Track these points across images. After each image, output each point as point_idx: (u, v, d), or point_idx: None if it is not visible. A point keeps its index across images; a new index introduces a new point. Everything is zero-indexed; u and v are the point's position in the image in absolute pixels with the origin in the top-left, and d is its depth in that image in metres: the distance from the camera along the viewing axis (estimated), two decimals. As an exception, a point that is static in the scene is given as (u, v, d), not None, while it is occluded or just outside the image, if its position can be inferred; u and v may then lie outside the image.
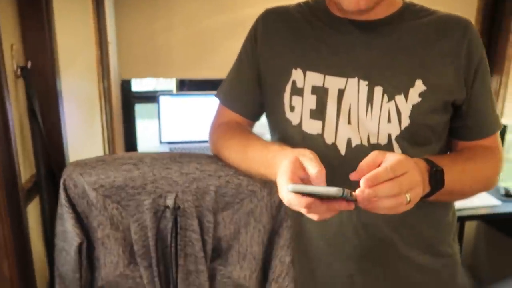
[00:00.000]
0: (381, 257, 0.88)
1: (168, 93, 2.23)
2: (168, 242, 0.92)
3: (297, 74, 0.86)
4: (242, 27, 2.15)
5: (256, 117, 0.99)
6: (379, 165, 0.63)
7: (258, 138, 0.91)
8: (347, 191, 0.58)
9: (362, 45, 0.83)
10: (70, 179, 0.91)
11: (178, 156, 0.94)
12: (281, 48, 0.89)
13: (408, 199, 0.62)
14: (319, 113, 0.84)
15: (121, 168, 0.92)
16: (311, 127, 0.85)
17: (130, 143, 2.14)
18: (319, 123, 0.84)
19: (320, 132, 0.84)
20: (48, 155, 1.12)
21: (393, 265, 0.89)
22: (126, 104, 2.15)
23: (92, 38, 1.81)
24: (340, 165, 0.80)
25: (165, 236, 0.92)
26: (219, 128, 0.98)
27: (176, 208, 0.90)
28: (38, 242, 1.16)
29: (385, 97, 0.81)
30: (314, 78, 0.84)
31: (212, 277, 0.95)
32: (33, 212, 1.13)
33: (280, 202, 0.94)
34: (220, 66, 2.16)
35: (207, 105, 2.09)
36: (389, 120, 0.81)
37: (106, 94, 1.93)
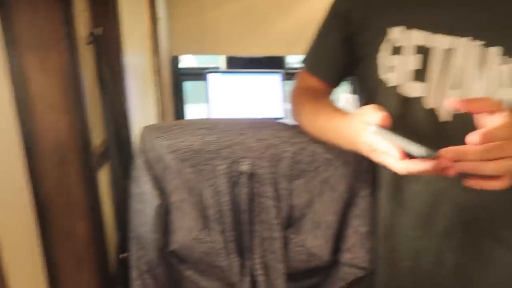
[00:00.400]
0: (476, 236, 0.83)
1: (217, 70, 2.22)
2: (242, 208, 0.92)
3: (396, 32, 0.79)
4: (294, 2, 2.11)
5: (338, 82, 0.96)
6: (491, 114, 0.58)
7: (329, 105, 0.88)
8: (433, 153, 0.54)
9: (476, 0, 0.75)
10: (147, 143, 0.93)
11: (252, 122, 0.94)
12: (378, 3, 0.83)
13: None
14: (420, 74, 0.77)
15: (197, 132, 0.92)
16: (410, 89, 0.78)
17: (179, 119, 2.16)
18: (420, 85, 0.77)
19: (419, 95, 0.78)
20: (116, 122, 1.14)
21: (488, 245, 0.83)
22: (175, 81, 2.16)
23: (144, 13, 1.82)
24: (437, 133, 0.75)
25: (240, 202, 0.92)
26: (296, 94, 0.96)
27: (251, 174, 0.90)
28: (108, 205, 1.19)
29: (504, 58, 0.72)
30: (417, 36, 0.77)
31: (285, 245, 0.95)
32: (103, 177, 1.16)
33: (356, 170, 0.92)
34: (271, 43, 2.14)
35: (256, 83, 2.07)
36: (507, 85, 0.72)
37: (158, 70, 1.95)
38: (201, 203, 0.95)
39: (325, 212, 0.93)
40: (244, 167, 0.89)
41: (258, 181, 0.90)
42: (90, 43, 1.02)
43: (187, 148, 0.90)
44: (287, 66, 2.23)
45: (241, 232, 0.95)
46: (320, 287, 1.06)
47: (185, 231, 0.96)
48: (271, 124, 0.94)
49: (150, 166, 0.93)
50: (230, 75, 2.11)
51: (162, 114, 2.03)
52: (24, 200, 1.04)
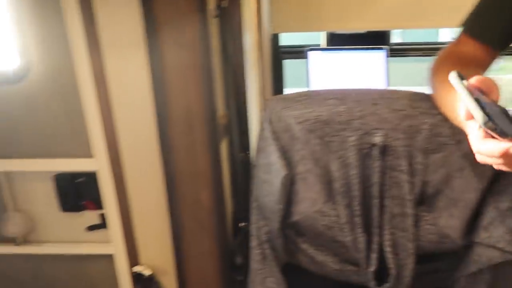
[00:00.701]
0: None
1: (318, 47, 2.17)
2: (372, 181, 0.88)
3: None
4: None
5: (504, 47, 0.87)
6: None
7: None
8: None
9: None
10: (274, 113, 0.93)
11: (386, 93, 0.89)
12: None
13: None
14: None
15: (326, 102, 0.90)
16: None
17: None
18: None
19: None
20: (238, 96, 1.16)
21: None
22: (275, 59, 2.15)
23: None
24: None
25: (369, 175, 0.89)
26: (438, 61, 0.89)
27: (383, 147, 0.86)
28: (227, 175, 1.24)
29: None
30: None
31: (415, 223, 0.90)
32: (223, 149, 1.20)
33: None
34: (375, 17, 2.03)
35: (359, 61, 1.99)
36: None
37: (260, 47, 1.96)
38: (327, 175, 0.93)
39: (464, 189, 0.85)
40: (377, 138, 0.85)
41: (391, 154, 0.86)
42: (216, 16, 1.04)
43: (316, 119, 0.89)
44: (392, 42, 2.10)
45: (369, 207, 0.91)
46: (448, 272, 0.99)
47: (309, 203, 0.95)
48: (407, 94, 0.88)
49: (277, 137, 0.93)
50: (332, 52, 2.04)
51: (263, 91, 2.05)
52: (155, 166, 1.11)
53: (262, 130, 0.95)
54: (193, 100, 0.99)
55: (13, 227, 1.26)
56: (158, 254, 1.24)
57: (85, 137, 1.11)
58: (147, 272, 1.23)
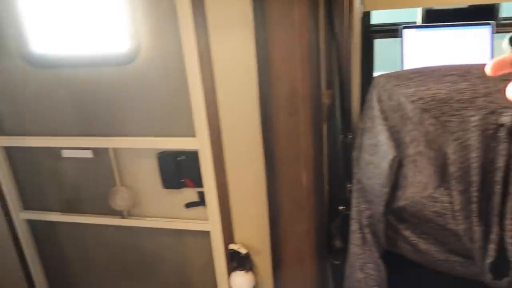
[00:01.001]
0: None
1: (413, 25, 2.03)
2: (495, 166, 0.82)
3: None
4: None
5: None
6: None
7: None
8: None
9: None
10: (384, 91, 0.89)
11: (516, 68, 0.81)
12: None
13: None
14: None
15: (444, 79, 0.84)
16: None
17: (367, 79, 2.05)
18: None
19: None
20: (341, 74, 1.13)
21: None
22: (365, 39, 2.04)
23: None
24: None
25: (492, 159, 0.82)
26: None
27: None
28: (325, 158, 1.22)
29: None
30: None
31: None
32: (324, 129, 1.18)
33: None
34: None
35: (460, 39, 1.84)
36: None
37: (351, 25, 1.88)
38: (440, 158, 0.87)
39: None
40: (505, 118, 0.78)
41: (521, 136, 0.78)
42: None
43: (432, 97, 0.83)
44: (500, 16, 1.90)
45: (489, 193, 0.85)
46: None
47: (419, 187, 0.91)
48: (542, 69, 0.79)
49: (386, 116, 0.89)
50: (429, 30, 1.91)
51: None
52: (256, 146, 1.13)
53: (369, 109, 0.92)
54: (298, 80, 0.98)
55: (121, 201, 1.36)
56: (253, 234, 1.27)
57: (189, 117, 1.16)
58: (243, 250, 1.26)
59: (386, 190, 0.92)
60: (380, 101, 0.90)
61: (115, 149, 1.33)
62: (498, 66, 0.39)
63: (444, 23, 1.90)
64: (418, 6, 2.01)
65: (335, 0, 1.03)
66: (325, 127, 1.14)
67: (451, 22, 1.90)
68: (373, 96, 0.91)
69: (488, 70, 0.39)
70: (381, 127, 0.90)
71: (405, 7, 2.07)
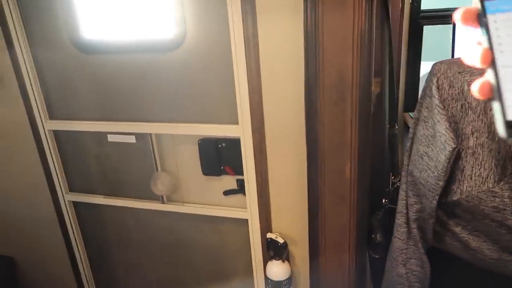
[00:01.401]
0: None
1: None
2: None
3: None
4: None
5: None
6: None
7: None
8: None
9: None
10: (445, 79, 0.82)
11: None
12: None
13: None
14: None
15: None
16: None
17: (413, 72, 1.89)
18: None
19: None
20: (391, 62, 1.07)
21: None
22: (414, 25, 1.88)
23: None
24: None
25: None
26: None
27: None
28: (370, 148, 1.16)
29: None
30: None
31: None
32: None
33: None
34: None
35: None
36: None
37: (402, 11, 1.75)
38: (504, 150, 0.80)
39: None
40: None
41: None
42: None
43: (498, 85, 0.76)
44: None
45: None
46: None
47: (477, 181, 0.83)
48: None
49: (446, 105, 0.82)
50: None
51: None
52: (299, 135, 1.08)
53: (427, 97, 0.85)
54: (348, 67, 0.92)
55: (161, 186, 1.35)
56: (291, 224, 1.22)
57: (232, 104, 1.12)
58: (280, 239, 1.22)
59: (441, 183, 0.85)
60: (440, 88, 0.83)
61: (157, 135, 1.31)
62: (465, 15, 0.36)
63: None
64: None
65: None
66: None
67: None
68: (433, 84, 0.84)
69: (457, 18, 0.36)
70: (440, 117, 0.82)
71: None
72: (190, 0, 1.09)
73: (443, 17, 1.80)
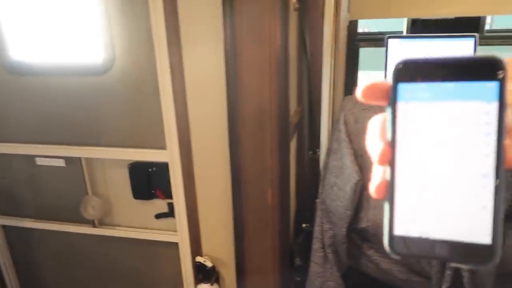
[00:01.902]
0: None
1: (399, 35, 1.95)
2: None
3: None
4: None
5: None
6: None
7: None
8: None
9: None
10: (351, 114, 0.85)
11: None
12: None
13: None
14: None
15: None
16: None
17: (350, 89, 1.94)
18: None
19: None
20: (310, 91, 1.10)
21: None
22: (351, 48, 1.94)
23: None
24: None
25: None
26: None
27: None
28: (292, 175, 1.18)
29: None
30: None
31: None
32: (292, 146, 1.14)
33: None
34: (465, 2, 1.79)
35: (444, 50, 1.78)
36: None
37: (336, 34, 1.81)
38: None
39: None
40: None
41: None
42: (297, 9, 0.98)
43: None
44: (484, 29, 1.84)
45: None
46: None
47: (380, 210, 0.87)
48: None
49: (352, 139, 0.85)
50: (414, 40, 1.84)
51: (334, 80, 1.90)
52: (224, 162, 1.08)
53: (336, 131, 0.88)
54: (266, 99, 0.94)
55: (92, 210, 1.30)
56: (220, 247, 1.21)
57: (160, 130, 1.10)
58: (208, 263, 1.20)
59: (349, 213, 0.88)
60: (347, 123, 0.86)
61: (87, 159, 1.27)
62: (369, 91, 0.28)
63: (428, 34, 1.82)
64: (404, 17, 1.95)
65: (309, 14, 0.99)
66: (293, 144, 1.10)
67: (437, 32, 1.82)
68: (341, 118, 0.87)
69: (358, 95, 0.29)
70: (346, 150, 0.86)
71: (391, 17, 1.99)
72: (119, 27, 1.07)
73: (377, 39, 1.88)
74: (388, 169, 0.28)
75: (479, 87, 0.26)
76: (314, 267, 1.01)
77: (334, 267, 1.01)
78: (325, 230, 0.97)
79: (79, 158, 1.25)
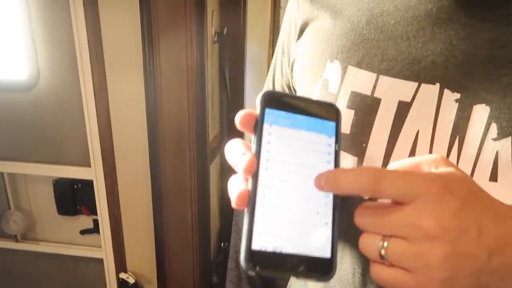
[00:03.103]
0: None
1: None
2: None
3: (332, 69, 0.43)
4: None
5: None
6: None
7: None
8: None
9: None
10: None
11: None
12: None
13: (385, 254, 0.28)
14: (355, 143, 0.41)
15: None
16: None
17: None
18: (352, 160, 0.41)
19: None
20: (232, 117, 1.15)
21: None
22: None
23: (268, 3, 1.78)
24: None
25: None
26: None
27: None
28: (215, 197, 1.23)
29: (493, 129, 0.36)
30: (360, 79, 0.41)
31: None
32: (214, 169, 1.19)
33: None
34: None
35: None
36: (493, 178, 0.36)
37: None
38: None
39: None
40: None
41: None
42: (216, 42, 1.04)
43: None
44: None
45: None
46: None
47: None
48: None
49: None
50: None
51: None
52: (145, 182, 1.11)
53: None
54: (184, 124, 0.98)
55: (14, 224, 1.27)
56: (144, 263, 1.24)
57: (85, 147, 1.12)
58: (131, 280, 1.22)
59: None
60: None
61: (10, 174, 1.25)
62: (245, 119, 0.30)
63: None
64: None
65: (230, 47, 1.05)
66: (215, 167, 1.15)
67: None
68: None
69: (236, 123, 0.31)
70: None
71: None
72: (43, 45, 1.08)
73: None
74: (251, 180, 0.29)
75: (324, 123, 0.32)
76: (229, 286, 1.06)
77: (247, 286, 1.07)
78: (239, 250, 1.02)
79: (1, 173, 1.23)
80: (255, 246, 0.28)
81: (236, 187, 0.30)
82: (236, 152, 0.32)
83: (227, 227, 1.18)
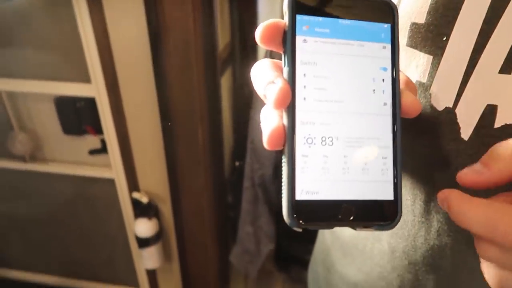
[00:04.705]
0: None
1: None
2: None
3: None
4: None
5: None
6: None
7: None
8: None
9: None
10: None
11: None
12: None
13: None
14: (430, 36, 0.29)
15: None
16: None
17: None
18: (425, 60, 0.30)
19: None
20: (243, 23, 1.03)
21: None
22: None
23: None
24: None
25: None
26: None
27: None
28: (227, 112, 1.15)
29: None
30: None
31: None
32: (224, 82, 1.10)
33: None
34: None
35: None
36: None
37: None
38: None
39: None
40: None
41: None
42: None
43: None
44: None
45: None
46: None
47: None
48: None
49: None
50: None
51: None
52: (152, 99, 1.03)
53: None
54: (190, 29, 0.88)
55: (20, 145, 1.24)
56: (156, 182, 1.22)
57: (82, 62, 1.03)
58: (144, 199, 1.21)
59: (275, 154, 0.88)
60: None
61: (9, 93, 1.18)
62: (269, 32, 0.24)
63: None
64: None
65: None
66: (227, 80, 1.06)
67: None
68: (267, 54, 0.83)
69: (257, 39, 0.25)
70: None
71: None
72: None
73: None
74: (285, 114, 0.24)
75: (376, 28, 0.26)
76: (245, 205, 1.04)
77: (265, 205, 1.04)
78: (255, 169, 0.98)
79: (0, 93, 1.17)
80: (300, 195, 0.24)
81: (267, 123, 0.24)
82: (263, 79, 0.25)
83: (241, 145, 1.13)
